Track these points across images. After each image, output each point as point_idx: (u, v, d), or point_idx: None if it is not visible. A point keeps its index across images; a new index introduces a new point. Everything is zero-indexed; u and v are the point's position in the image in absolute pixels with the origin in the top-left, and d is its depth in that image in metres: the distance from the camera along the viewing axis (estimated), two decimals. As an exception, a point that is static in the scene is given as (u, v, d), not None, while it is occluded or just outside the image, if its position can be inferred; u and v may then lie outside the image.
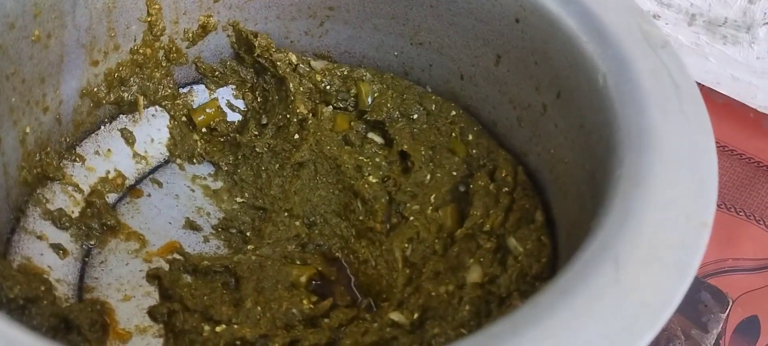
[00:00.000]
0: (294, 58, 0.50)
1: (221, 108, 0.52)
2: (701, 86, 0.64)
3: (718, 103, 0.67)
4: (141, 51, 0.47)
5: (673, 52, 0.36)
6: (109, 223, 0.45)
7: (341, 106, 0.50)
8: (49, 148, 0.44)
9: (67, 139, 0.46)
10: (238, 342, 0.39)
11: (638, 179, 0.31)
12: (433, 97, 0.49)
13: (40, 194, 0.43)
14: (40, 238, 0.42)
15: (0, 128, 0.39)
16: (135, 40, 0.47)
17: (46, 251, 0.42)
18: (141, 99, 0.48)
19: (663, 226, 0.29)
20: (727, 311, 0.60)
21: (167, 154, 0.50)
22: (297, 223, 0.46)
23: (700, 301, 0.60)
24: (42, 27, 0.40)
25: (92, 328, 0.39)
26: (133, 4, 0.45)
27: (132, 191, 0.48)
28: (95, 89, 0.46)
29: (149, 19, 0.46)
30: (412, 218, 0.44)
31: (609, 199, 0.31)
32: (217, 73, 0.52)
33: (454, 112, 0.48)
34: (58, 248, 0.43)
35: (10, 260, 0.40)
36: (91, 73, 0.45)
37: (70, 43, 0.43)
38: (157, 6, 0.46)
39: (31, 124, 0.42)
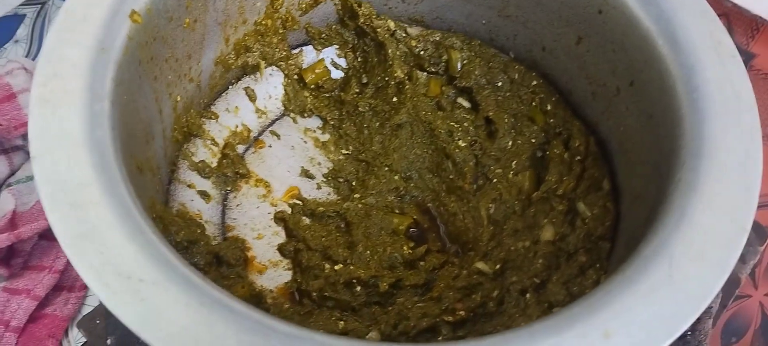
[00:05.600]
0: (392, 25, 0.57)
1: (327, 67, 0.59)
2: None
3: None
4: (263, 22, 0.54)
5: (739, 62, 0.42)
6: (240, 171, 0.54)
7: (433, 70, 0.57)
8: (192, 110, 0.53)
9: (205, 101, 0.54)
10: (354, 280, 0.48)
11: (695, 185, 0.37)
12: (517, 67, 0.55)
13: (187, 148, 0.53)
14: (189, 186, 0.52)
15: (161, 101, 0.47)
16: (259, 14, 0.54)
17: (195, 197, 0.52)
18: (262, 63, 0.56)
19: (711, 228, 0.36)
20: (766, 244, 0.66)
21: (283, 108, 0.58)
22: (396, 177, 0.54)
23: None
24: (191, 14, 0.47)
25: (237, 262, 0.49)
26: (259, -15, 0.52)
27: (256, 142, 0.57)
28: (226, 57, 0.54)
29: (272, -4, 0.53)
30: (495, 181, 0.52)
31: (668, 199, 0.38)
32: (323, 35, 0.58)
33: (534, 82, 0.55)
34: (203, 194, 0.52)
35: (170, 207, 0.50)
36: (224, 45, 0.53)
37: (210, 23, 0.50)
38: (279, -15, 0.52)
39: (181, 93, 0.50)
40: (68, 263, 0.72)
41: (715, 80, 0.41)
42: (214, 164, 0.54)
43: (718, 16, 0.47)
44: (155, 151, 0.47)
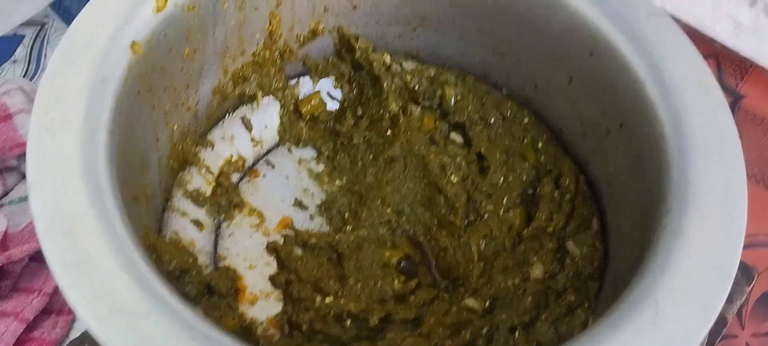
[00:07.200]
0: (388, 59, 0.58)
1: (322, 99, 0.60)
2: (757, 65, 0.68)
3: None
4: (261, 53, 0.55)
5: (726, 109, 0.43)
6: (234, 200, 0.54)
7: (427, 105, 0.58)
8: (188, 139, 0.53)
9: (201, 129, 0.55)
10: (344, 313, 0.48)
11: (681, 231, 0.38)
12: (509, 104, 0.56)
13: (182, 177, 0.53)
14: (183, 215, 0.52)
15: (158, 130, 0.48)
16: (257, 45, 0.54)
17: (188, 226, 0.52)
18: (259, 93, 0.57)
19: (696, 273, 0.36)
20: (752, 284, 0.66)
21: (278, 138, 0.59)
22: (388, 210, 0.55)
23: (728, 274, 0.67)
24: (191, 45, 0.48)
25: (229, 292, 0.49)
26: (258, 17, 0.52)
27: (250, 171, 0.57)
28: (224, 86, 0.54)
29: (271, 28, 0.54)
30: (486, 217, 0.52)
31: (655, 244, 0.38)
32: (320, 67, 0.59)
33: (526, 120, 0.55)
34: (197, 223, 0.52)
35: (163, 235, 0.50)
36: (222, 75, 0.54)
37: (209, 53, 0.51)
38: (277, 18, 0.53)
39: (178, 122, 0.51)
40: (58, 287, 0.72)
41: (702, 126, 0.42)
42: (208, 193, 0.54)
43: (708, 57, 0.48)
44: (151, 180, 0.48)
